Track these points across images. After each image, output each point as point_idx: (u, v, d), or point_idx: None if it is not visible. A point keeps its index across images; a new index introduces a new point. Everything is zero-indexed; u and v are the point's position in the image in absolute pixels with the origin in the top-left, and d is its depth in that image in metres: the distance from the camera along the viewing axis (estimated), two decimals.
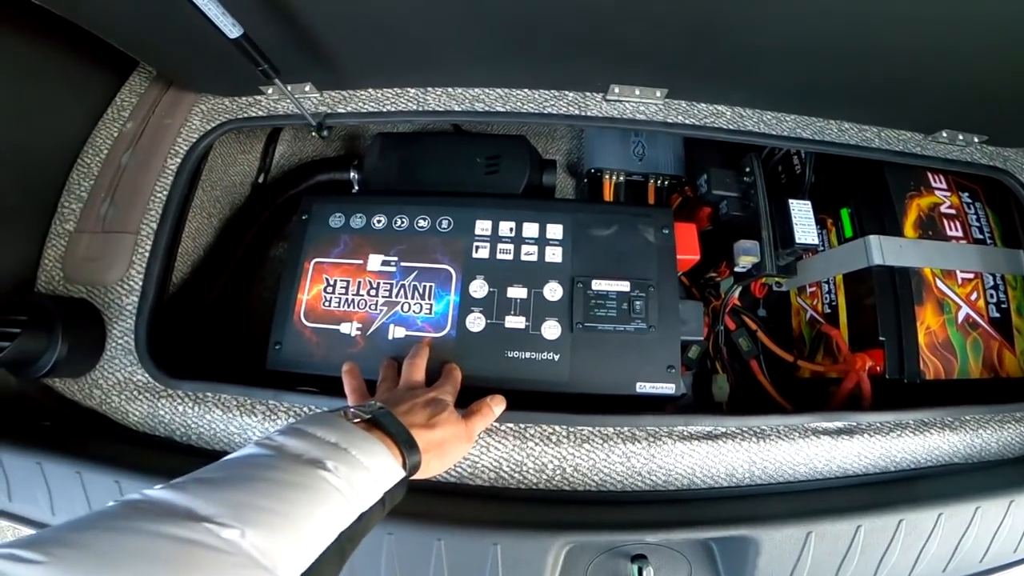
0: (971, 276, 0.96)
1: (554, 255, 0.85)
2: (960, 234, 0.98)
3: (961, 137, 0.94)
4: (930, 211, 0.98)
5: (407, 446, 0.52)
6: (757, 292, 1.13)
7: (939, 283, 0.93)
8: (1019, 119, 0.88)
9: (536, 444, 0.72)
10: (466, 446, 0.61)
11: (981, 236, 0.99)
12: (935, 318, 0.92)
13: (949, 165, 0.94)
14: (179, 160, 0.87)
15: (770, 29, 0.67)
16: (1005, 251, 0.99)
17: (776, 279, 1.10)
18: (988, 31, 0.65)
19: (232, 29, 0.63)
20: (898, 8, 0.61)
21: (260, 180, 1.20)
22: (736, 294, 1.05)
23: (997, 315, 0.95)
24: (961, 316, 0.93)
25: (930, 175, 1.01)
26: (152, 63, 0.88)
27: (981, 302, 0.95)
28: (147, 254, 0.81)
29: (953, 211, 0.99)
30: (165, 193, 0.85)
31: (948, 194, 1.01)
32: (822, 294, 1.04)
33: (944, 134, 0.93)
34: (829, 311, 1.02)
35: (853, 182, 1.02)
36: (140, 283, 0.80)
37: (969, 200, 1.02)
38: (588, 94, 0.89)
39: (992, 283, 0.97)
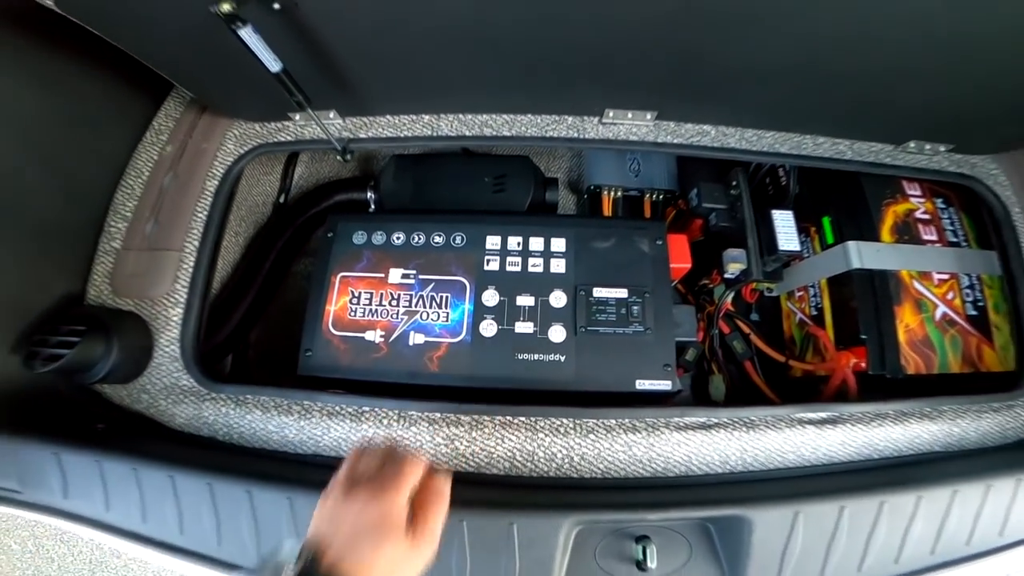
0: (947, 277, 1.02)
1: (558, 266, 0.93)
2: (935, 238, 1.05)
3: (928, 147, 1.01)
4: (905, 217, 1.05)
5: None
6: (748, 297, 1.21)
7: (916, 284, 1.00)
8: (981, 129, 0.96)
9: (546, 436, 0.79)
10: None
11: (956, 239, 1.06)
12: (913, 316, 0.99)
13: (919, 173, 1.02)
14: (216, 182, 0.96)
15: (745, 56, 0.76)
16: (979, 252, 1.06)
17: (767, 285, 1.17)
18: (944, 52, 0.73)
19: (274, 64, 0.72)
20: (860, 33, 0.69)
21: (281, 200, 1.28)
22: (729, 299, 1.13)
23: (974, 313, 1.02)
24: (938, 314, 1.00)
25: (905, 183, 1.09)
26: (193, 90, 0.96)
27: (958, 301, 1.02)
28: (190, 269, 0.89)
29: (928, 216, 1.07)
30: (205, 213, 0.93)
31: (923, 200, 1.08)
32: (809, 297, 1.11)
33: (912, 145, 1.01)
34: (816, 313, 1.09)
35: (833, 192, 1.10)
36: (185, 296, 0.88)
37: (943, 205, 1.09)
38: (585, 118, 0.97)
39: (968, 283, 1.03)
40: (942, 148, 1.02)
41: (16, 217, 0.81)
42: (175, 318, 0.87)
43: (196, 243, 0.91)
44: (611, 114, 0.95)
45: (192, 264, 0.90)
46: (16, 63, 0.81)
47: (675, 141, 0.96)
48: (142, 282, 0.89)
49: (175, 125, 1.03)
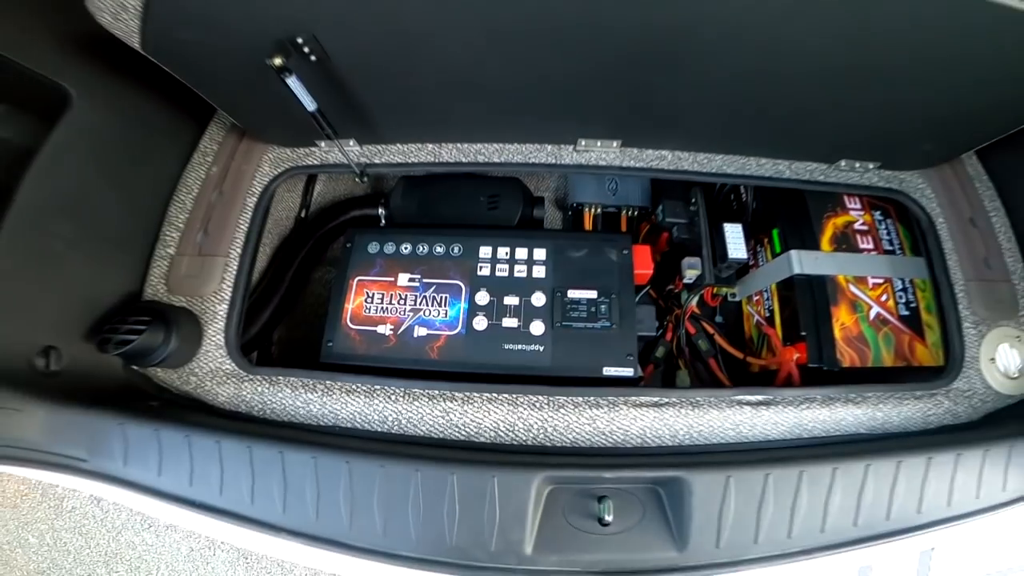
0: (881, 281, 1.17)
1: (539, 272, 1.11)
2: (871, 246, 1.20)
3: (858, 165, 1.17)
4: (844, 228, 1.21)
5: None
6: (711, 301, 1.37)
7: (851, 287, 1.16)
8: (902, 148, 1.12)
9: (524, 410, 0.95)
10: None
11: (891, 247, 1.21)
12: (849, 316, 1.14)
13: (852, 189, 1.19)
14: (255, 199, 1.14)
15: (686, 93, 0.94)
16: (910, 259, 1.20)
17: (729, 290, 1.33)
18: (850, 83, 0.89)
19: (310, 104, 0.90)
20: (776, 71, 0.86)
21: (303, 215, 1.47)
22: (693, 303, 1.29)
23: (907, 313, 1.16)
24: (872, 314, 1.15)
25: (846, 198, 1.24)
26: (241, 121, 1.14)
27: (891, 302, 1.17)
28: (235, 272, 1.07)
29: (865, 227, 1.22)
30: (246, 225, 1.11)
31: (861, 213, 1.24)
32: (763, 301, 1.27)
33: (844, 163, 1.17)
34: (768, 315, 1.25)
35: (782, 206, 1.26)
36: (229, 295, 1.06)
37: (881, 217, 1.24)
38: (562, 146, 1.15)
39: (902, 286, 1.18)
40: (871, 165, 1.18)
41: (91, 226, 0.99)
42: (221, 313, 1.05)
43: (239, 250, 1.09)
44: (583, 143, 1.13)
45: (236, 268, 1.08)
46: (102, 97, 1.01)
47: (638, 165, 1.14)
48: (194, 282, 1.07)
49: (219, 149, 1.21)
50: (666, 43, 0.83)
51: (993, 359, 1.08)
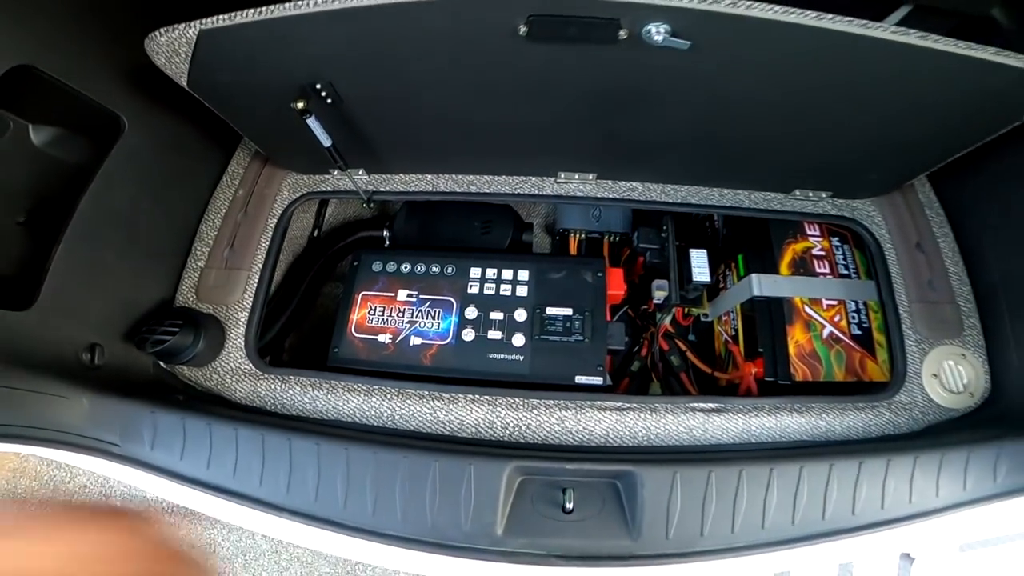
0: (835, 303, 1.29)
1: (522, 291, 1.25)
2: (828, 271, 1.32)
3: (812, 194, 1.30)
4: (803, 253, 1.33)
5: None
6: (683, 321, 1.49)
7: (807, 308, 1.27)
8: (850, 179, 1.26)
9: (503, 410, 1.09)
10: None
11: (846, 272, 1.33)
12: (803, 334, 1.26)
13: (806, 217, 1.32)
14: (275, 220, 1.31)
15: (649, 132, 1.09)
16: (862, 282, 1.31)
17: (701, 311, 1.46)
18: (800, 123, 1.04)
19: (326, 140, 1.06)
20: (726, 114, 1.01)
21: (315, 234, 1.62)
22: (667, 322, 1.41)
23: (859, 332, 1.26)
24: (825, 333, 1.26)
25: (806, 225, 1.36)
26: (266, 150, 1.31)
27: (844, 322, 1.27)
28: (256, 285, 1.23)
29: (823, 253, 1.34)
30: (267, 243, 1.28)
31: (820, 239, 1.36)
32: (730, 320, 1.39)
33: (798, 193, 1.30)
34: (734, 333, 1.37)
35: (747, 233, 1.39)
36: (250, 304, 1.21)
37: (838, 243, 1.36)
38: (544, 178, 1.31)
39: (855, 308, 1.29)
40: (824, 195, 1.31)
41: (135, 240, 1.16)
42: (243, 319, 1.21)
43: (260, 265, 1.25)
44: (562, 176, 1.28)
45: (257, 281, 1.23)
46: (149, 125, 1.18)
47: (612, 196, 1.29)
48: (220, 292, 1.23)
49: (244, 173, 1.39)
50: (627, 95, 0.99)
51: (936, 374, 1.18)
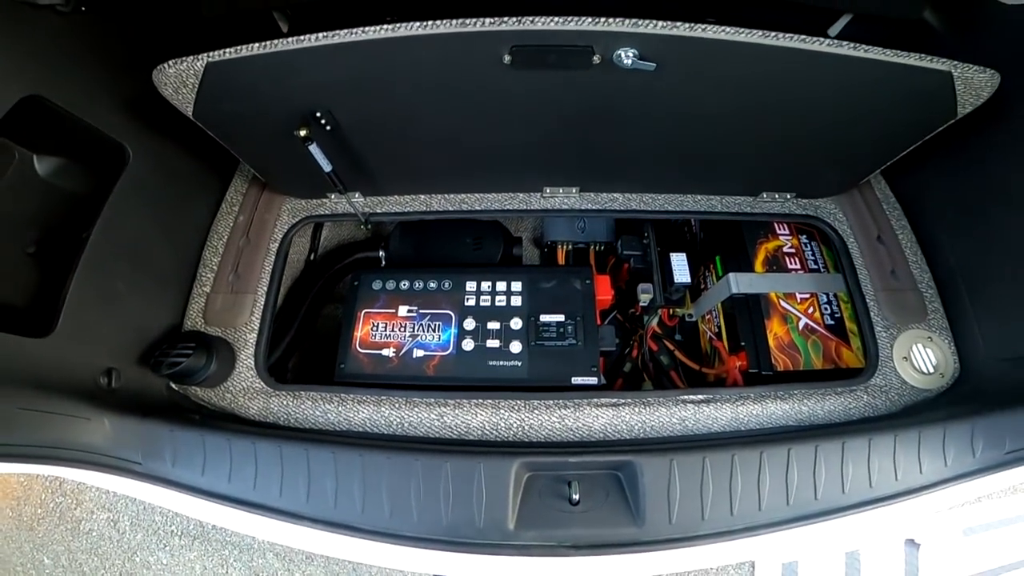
0: (808, 296, 1.38)
1: (516, 301, 1.33)
2: (798, 266, 1.41)
3: (778, 196, 1.41)
4: (775, 252, 1.43)
5: None
6: (668, 322, 1.57)
7: (782, 302, 1.36)
8: (809, 180, 1.37)
9: (505, 412, 1.15)
10: None
11: (816, 267, 1.42)
12: (781, 327, 1.34)
13: (774, 217, 1.42)
14: (277, 244, 1.37)
15: (623, 148, 1.19)
16: (831, 276, 1.41)
17: (685, 312, 1.54)
18: (755, 132, 1.14)
19: (327, 166, 1.13)
20: (694, 127, 1.12)
21: (311, 257, 1.68)
22: (654, 323, 1.49)
23: (832, 322, 1.36)
24: (801, 325, 1.35)
25: (776, 225, 1.46)
26: (264, 176, 1.38)
27: (817, 314, 1.36)
28: (262, 307, 1.29)
29: (793, 250, 1.44)
30: (270, 267, 1.34)
31: (789, 238, 1.46)
32: (713, 319, 1.48)
33: (765, 195, 1.40)
34: (718, 330, 1.45)
35: (722, 235, 1.49)
36: (258, 326, 1.27)
37: (807, 241, 1.46)
38: (531, 194, 1.39)
39: (826, 300, 1.38)
40: (788, 196, 1.41)
41: (144, 268, 1.21)
42: (251, 340, 1.26)
43: (265, 288, 1.31)
44: (547, 190, 1.37)
45: (263, 303, 1.29)
46: (153, 154, 1.23)
47: (595, 207, 1.37)
48: (227, 315, 1.28)
49: (243, 200, 1.45)
50: (602, 113, 1.09)
51: (907, 357, 1.27)
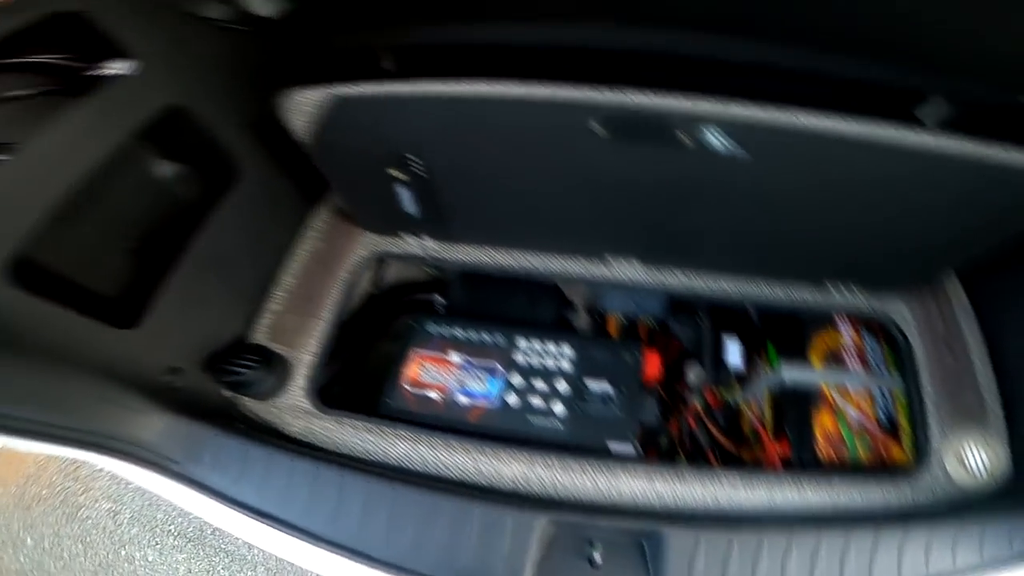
0: (862, 389, 1.35)
1: (565, 364, 1.36)
2: (856, 361, 1.38)
3: (843, 287, 1.39)
4: (833, 345, 1.41)
5: None
6: (712, 401, 1.55)
7: (835, 395, 1.33)
8: (879, 275, 1.35)
9: (539, 468, 1.16)
10: None
11: (875, 363, 1.39)
12: (830, 419, 1.30)
13: (837, 310, 1.40)
14: (348, 274, 1.46)
15: (698, 225, 1.22)
16: (889, 376, 1.37)
17: (731, 394, 1.53)
18: (832, 222, 1.16)
19: (412, 208, 1.24)
20: (768, 214, 1.15)
21: (374, 291, 1.75)
22: (697, 402, 1.48)
23: (884, 420, 1.31)
24: (852, 419, 1.30)
25: (837, 317, 1.45)
26: (350, 208, 1.48)
27: (870, 410, 1.31)
28: (323, 332, 1.36)
29: (852, 344, 1.41)
30: (339, 295, 1.42)
31: (850, 330, 1.43)
32: (757, 402, 1.45)
33: (829, 286, 1.39)
34: (761, 414, 1.42)
35: (780, 322, 1.48)
36: (317, 349, 1.34)
37: (868, 336, 1.43)
38: (594, 261, 1.43)
39: (882, 396, 1.34)
40: (854, 288, 1.39)
41: (228, 278, 1.30)
42: (307, 362, 1.33)
43: (330, 315, 1.38)
44: (610, 260, 1.41)
45: (325, 328, 1.37)
46: (260, 174, 1.35)
47: (655, 283, 1.40)
48: (292, 336, 1.36)
49: (324, 227, 1.56)
50: (681, 191, 1.14)
51: (959, 459, 1.20)
